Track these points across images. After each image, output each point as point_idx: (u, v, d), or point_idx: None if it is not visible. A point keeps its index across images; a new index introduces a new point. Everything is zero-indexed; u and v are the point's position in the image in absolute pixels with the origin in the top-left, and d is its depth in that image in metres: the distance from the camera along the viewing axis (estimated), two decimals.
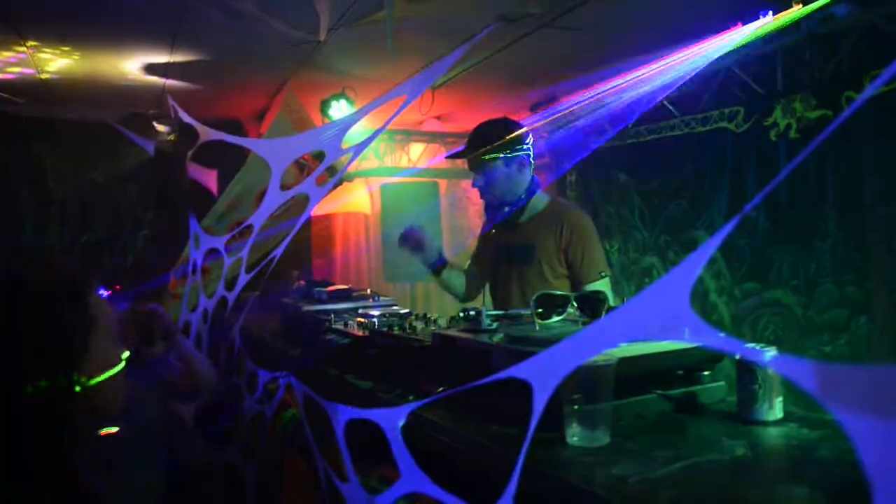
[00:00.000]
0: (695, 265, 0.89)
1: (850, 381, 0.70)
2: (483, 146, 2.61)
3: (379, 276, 6.59)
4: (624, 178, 5.12)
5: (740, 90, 4.21)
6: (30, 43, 4.05)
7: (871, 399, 0.70)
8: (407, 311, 2.66)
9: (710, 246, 0.87)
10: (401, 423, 1.38)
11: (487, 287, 2.85)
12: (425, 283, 6.47)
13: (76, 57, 4.36)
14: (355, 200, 6.86)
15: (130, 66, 4.58)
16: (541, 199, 2.70)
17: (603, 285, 2.53)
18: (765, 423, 1.35)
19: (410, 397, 1.63)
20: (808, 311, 3.76)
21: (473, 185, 2.70)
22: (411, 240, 2.80)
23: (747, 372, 1.37)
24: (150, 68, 4.63)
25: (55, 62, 4.43)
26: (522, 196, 2.64)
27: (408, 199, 6.45)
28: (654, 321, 0.91)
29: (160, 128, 5.59)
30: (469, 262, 3.05)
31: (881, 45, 3.34)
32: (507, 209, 2.66)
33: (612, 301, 2.49)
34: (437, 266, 2.83)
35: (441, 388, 1.66)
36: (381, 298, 3.11)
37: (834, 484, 1.00)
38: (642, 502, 0.99)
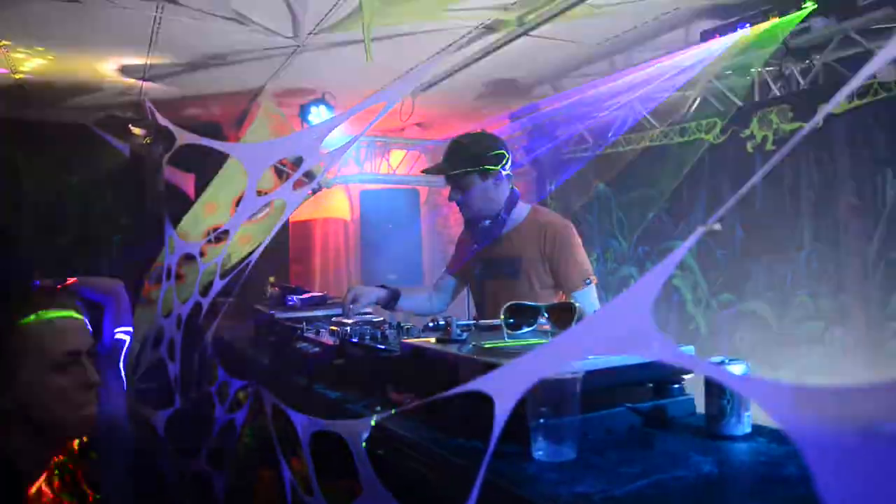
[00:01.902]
0: (658, 277, 0.87)
1: (813, 400, 0.69)
2: (459, 160, 2.56)
3: (359, 283, 6.55)
4: (603, 189, 5.13)
5: (718, 102, 4.24)
6: (2, 42, 3.99)
7: (834, 418, 0.68)
8: (381, 319, 2.62)
9: (674, 259, 0.86)
10: (365, 435, 1.35)
11: (472, 302, 2.81)
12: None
13: (51, 57, 4.30)
14: (335, 206, 6.83)
15: (107, 67, 4.52)
16: (521, 210, 2.66)
17: (589, 293, 2.51)
18: (733, 438, 1.33)
19: (378, 409, 1.60)
20: (784, 322, 3.78)
21: (450, 200, 2.64)
22: (349, 302, 2.64)
23: (715, 386, 1.35)
24: (127, 70, 4.58)
25: (29, 62, 4.36)
26: (502, 209, 2.60)
27: (388, 206, 6.44)
28: (618, 335, 0.89)
29: (136, 131, 5.52)
30: (444, 270, 3.01)
31: (856, 59, 3.38)
32: (487, 222, 2.62)
33: (597, 307, 2.48)
34: (387, 300, 2.74)
35: (408, 400, 1.63)
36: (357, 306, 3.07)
37: (795, 502, 0.98)
38: None
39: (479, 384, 1.04)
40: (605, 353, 1.30)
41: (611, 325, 0.92)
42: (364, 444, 1.34)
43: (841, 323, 3.51)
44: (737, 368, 1.33)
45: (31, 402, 1.18)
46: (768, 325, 3.87)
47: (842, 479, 0.64)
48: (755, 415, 1.38)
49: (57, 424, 1.20)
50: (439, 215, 6.85)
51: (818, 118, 0.90)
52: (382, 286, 2.77)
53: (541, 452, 1.23)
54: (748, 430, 1.35)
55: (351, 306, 2.60)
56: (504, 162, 2.60)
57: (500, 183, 2.58)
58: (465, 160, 2.55)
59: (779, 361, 3.79)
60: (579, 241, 2.61)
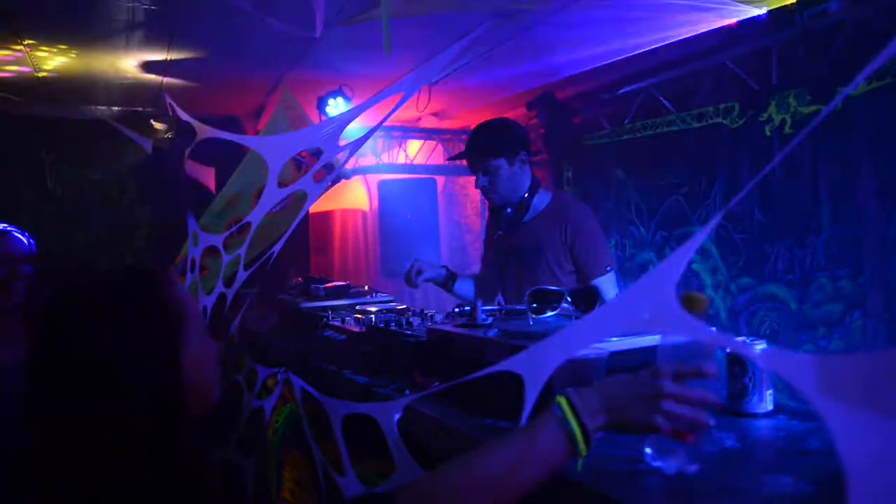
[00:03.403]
0: (680, 261, 0.91)
1: (833, 371, 0.72)
2: (485, 147, 2.61)
3: (377, 272, 6.62)
4: (620, 175, 5.14)
5: (735, 86, 4.23)
6: (27, 41, 4.05)
7: (853, 388, 0.72)
8: (404, 306, 2.68)
9: (694, 243, 0.90)
10: (396, 417, 1.40)
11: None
12: None
13: (73, 55, 4.37)
14: (354, 197, 6.88)
15: (128, 64, 4.58)
16: (543, 197, 2.70)
17: (609, 280, 2.56)
18: (755, 416, 1.37)
19: (406, 392, 1.65)
20: (804, 305, 3.78)
21: (477, 186, 2.70)
22: (414, 273, 2.75)
23: (738, 365, 1.39)
24: (148, 66, 4.64)
25: (52, 60, 4.44)
26: (525, 195, 2.65)
27: (405, 196, 6.48)
28: (641, 316, 0.93)
29: (158, 126, 5.60)
30: (482, 268, 3.06)
31: (873, 41, 3.36)
32: (509, 209, 2.66)
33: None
34: (444, 280, 2.83)
35: (436, 383, 1.68)
36: (379, 295, 3.13)
37: (818, 474, 1.02)
38: (629, 492, 1.01)
39: (509, 365, 1.09)
40: (630, 335, 1.34)
41: (635, 307, 0.96)
42: (396, 425, 1.39)
43: (860, 305, 3.51)
44: (758, 348, 1.37)
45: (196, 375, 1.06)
46: (788, 309, 3.88)
47: (866, 450, 0.67)
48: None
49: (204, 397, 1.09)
50: (457, 204, 6.88)
51: (837, 101, 0.92)
52: (443, 266, 2.87)
53: None
54: (770, 408, 1.39)
55: (415, 277, 2.70)
56: (526, 147, 2.65)
57: (525, 169, 2.65)
58: (493, 145, 2.61)
59: (798, 344, 3.81)
60: (600, 228, 2.66)
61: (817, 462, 1.08)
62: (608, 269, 2.56)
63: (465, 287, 2.91)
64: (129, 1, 3.52)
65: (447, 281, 2.83)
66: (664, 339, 1.12)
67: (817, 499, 0.97)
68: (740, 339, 1.41)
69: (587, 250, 2.56)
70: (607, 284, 2.54)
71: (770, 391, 1.39)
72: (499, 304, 2.03)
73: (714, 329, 1.50)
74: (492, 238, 2.88)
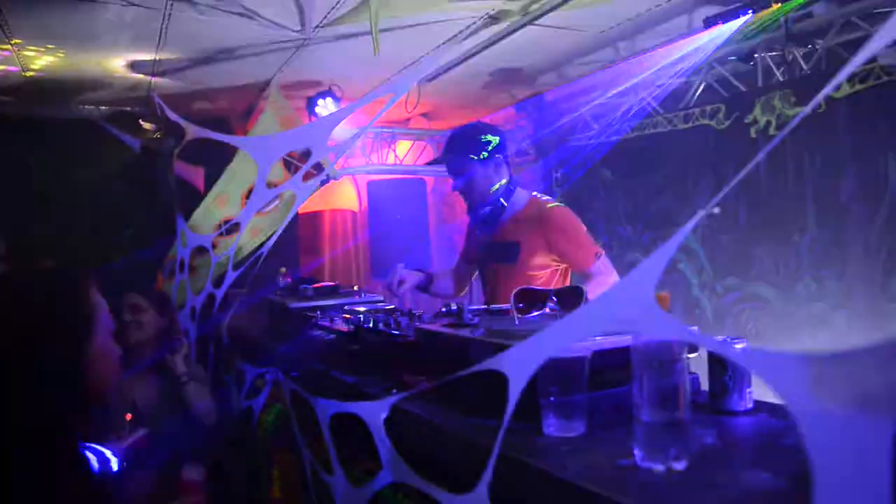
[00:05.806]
0: (661, 260, 0.92)
1: (810, 369, 0.75)
2: (459, 150, 2.69)
3: (367, 273, 6.62)
4: (608, 175, 5.17)
5: (722, 88, 4.27)
6: (14, 41, 4.04)
7: (830, 386, 0.74)
8: (392, 306, 2.70)
9: (675, 242, 0.92)
10: (383, 416, 1.42)
11: (479, 286, 2.92)
12: None
13: (61, 55, 4.35)
14: (343, 197, 6.88)
15: (116, 63, 4.58)
16: (521, 197, 2.75)
17: (604, 264, 2.61)
18: (736, 413, 1.40)
19: (394, 391, 1.67)
20: (788, 305, 3.83)
21: (453, 189, 2.79)
22: (395, 284, 2.82)
23: (718, 364, 1.42)
24: (136, 66, 4.63)
25: (40, 60, 4.42)
26: (502, 196, 2.70)
27: (395, 196, 6.49)
28: (623, 315, 0.95)
29: (146, 125, 5.58)
30: (458, 258, 3.12)
31: (858, 43, 3.41)
32: (487, 209, 2.71)
33: (616, 275, 2.59)
34: (424, 284, 2.92)
35: (424, 382, 1.70)
36: (368, 295, 3.14)
37: (795, 470, 1.04)
38: (613, 488, 1.03)
39: (493, 363, 1.10)
40: (612, 333, 1.36)
41: (616, 307, 0.98)
42: (383, 424, 1.41)
43: (844, 305, 3.56)
44: (738, 346, 1.39)
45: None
46: (773, 308, 3.92)
47: (835, 447, 0.70)
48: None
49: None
50: (446, 204, 6.89)
51: (817, 100, 0.94)
52: (419, 270, 2.94)
53: (551, 428, 1.30)
54: (750, 405, 1.41)
55: (398, 288, 2.78)
56: (502, 149, 2.69)
57: (500, 170, 2.70)
58: (465, 150, 2.67)
59: (783, 343, 3.85)
60: (580, 221, 2.69)
61: (795, 458, 1.11)
62: (597, 255, 2.60)
63: (444, 284, 3.01)
64: (117, 1, 3.52)
65: (426, 284, 2.93)
66: (636, 339, 1.13)
67: (795, 494, 0.99)
68: (720, 338, 1.43)
69: (575, 246, 2.61)
70: (604, 268, 2.58)
71: (750, 389, 1.41)
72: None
73: (695, 328, 1.53)
74: (471, 237, 2.95)
